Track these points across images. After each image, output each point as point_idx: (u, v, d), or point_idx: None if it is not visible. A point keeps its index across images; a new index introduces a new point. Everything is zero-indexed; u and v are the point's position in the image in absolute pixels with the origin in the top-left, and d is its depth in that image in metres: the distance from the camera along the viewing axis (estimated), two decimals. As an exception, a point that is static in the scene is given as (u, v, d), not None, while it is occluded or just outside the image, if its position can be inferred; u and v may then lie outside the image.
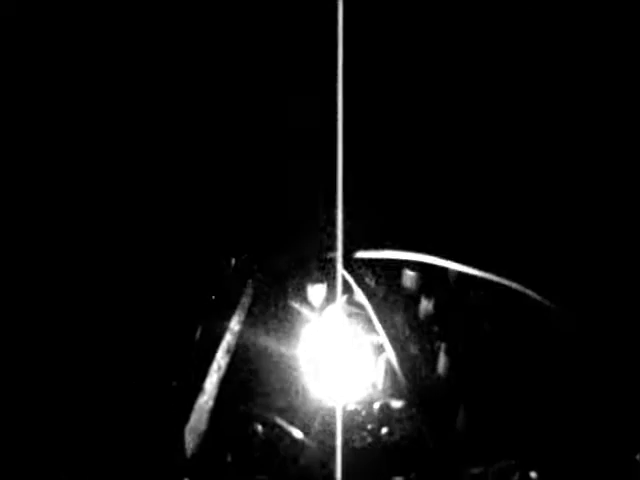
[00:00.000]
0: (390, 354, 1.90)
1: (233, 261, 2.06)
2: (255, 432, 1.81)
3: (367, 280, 2.06)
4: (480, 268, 2.01)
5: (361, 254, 2.06)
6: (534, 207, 2.08)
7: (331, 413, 1.87)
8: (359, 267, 2.07)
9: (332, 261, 2.09)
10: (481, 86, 2.13)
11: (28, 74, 2.15)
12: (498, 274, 1.98)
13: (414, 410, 1.84)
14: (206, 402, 1.84)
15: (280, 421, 1.83)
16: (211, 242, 2.07)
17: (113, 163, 2.14)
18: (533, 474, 1.63)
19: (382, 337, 1.92)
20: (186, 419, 1.77)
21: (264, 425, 1.82)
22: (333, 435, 1.82)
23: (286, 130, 2.15)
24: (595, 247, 2.00)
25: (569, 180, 2.07)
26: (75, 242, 2.03)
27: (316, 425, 1.86)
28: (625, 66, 2.07)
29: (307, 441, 1.80)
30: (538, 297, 1.92)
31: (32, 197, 2.09)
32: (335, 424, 1.83)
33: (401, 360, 1.89)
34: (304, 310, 2.05)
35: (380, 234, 2.07)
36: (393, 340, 1.91)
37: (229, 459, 1.78)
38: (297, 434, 1.81)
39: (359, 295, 2.02)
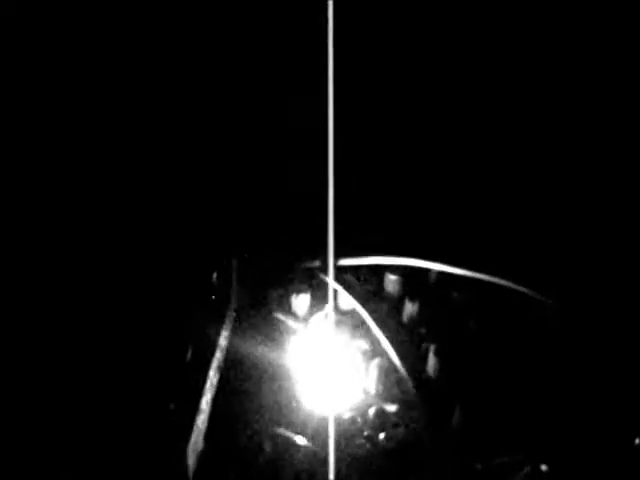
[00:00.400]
0: (393, 357, 1.91)
1: (215, 275, 2.04)
2: (261, 446, 1.80)
3: (353, 286, 2.06)
4: (462, 266, 2.03)
5: (344, 261, 2.07)
6: (515, 204, 2.11)
7: (326, 422, 1.87)
8: (343, 274, 2.07)
9: (313, 270, 2.09)
10: (472, 87, 2.16)
11: (28, 74, 2.11)
12: (480, 271, 2.01)
13: (418, 412, 1.85)
14: (203, 422, 1.82)
15: (283, 431, 1.82)
16: (199, 254, 2.06)
17: (110, 163, 2.12)
18: (544, 467, 1.66)
19: (383, 341, 1.93)
20: (187, 440, 1.75)
21: (270, 438, 1.81)
22: (336, 443, 1.82)
23: (282, 131, 2.15)
24: (579, 239, 2.04)
25: (548, 176, 2.11)
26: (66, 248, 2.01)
27: (313, 433, 1.86)
28: (625, 66, 2.12)
29: (313, 447, 1.80)
30: (524, 290, 1.95)
31: (29, 198, 2.06)
32: (332, 432, 1.84)
33: (403, 362, 1.90)
34: (289, 321, 2.04)
35: (363, 238, 2.08)
36: (392, 343, 1.92)
37: (233, 477, 1.76)
38: (301, 441, 1.81)
39: (350, 301, 2.02)
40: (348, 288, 2.03)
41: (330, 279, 1.97)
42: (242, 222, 2.15)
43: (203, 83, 2.19)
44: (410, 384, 1.87)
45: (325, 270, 2.03)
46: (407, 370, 1.89)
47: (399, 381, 1.90)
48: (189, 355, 1.88)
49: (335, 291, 2.04)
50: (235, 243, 2.11)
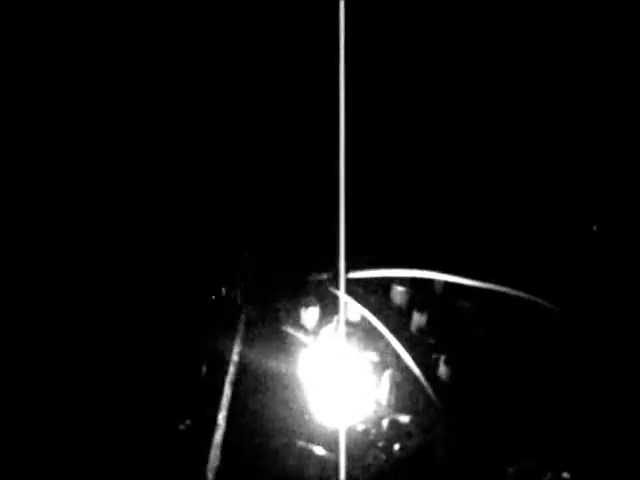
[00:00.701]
0: (411, 364, 1.93)
1: (224, 290, 2.05)
2: (277, 458, 1.80)
3: (363, 298, 2.08)
4: (468, 276, 2.05)
5: (353, 274, 2.08)
6: (520, 214, 2.14)
7: (339, 434, 1.88)
8: (351, 286, 2.09)
9: (322, 283, 2.11)
10: (482, 95, 2.17)
11: (28, 74, 2.10)
12: (486, 280, 2.04)
13: (440, 416, 1.87)
14: (220, 436, 1.83)
15: (298, 443, 1.83)
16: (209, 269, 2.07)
17: (110, 164, 2.11)
18: (565, 474, 1.68)
19: (400, 349, 1.95)
20: (206, 455, 1.75)
21: (286, 450, 1.82)
22: (351, 454, 1.83)
23: (285, 131, 2.16)
24: (585, 247, 2.07)
25: (554, 187, 2.14)
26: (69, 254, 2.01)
27: (326, 445, 1.87)
28: (625, 66, 2.14)
29: (329, 457, 1.81)
30: (531, 297, 1.98)
31: (33, 200, 2.06)
32: (343, 443, 1.85)
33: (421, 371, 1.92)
34: (299, 334, 2.05)
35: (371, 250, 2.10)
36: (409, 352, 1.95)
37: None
38: (319, 452, 1.82)
39: (362, 313, 2.03)
40: (359, 300, 2.05)
41: (341, 291, 1.98)
42: (249, 228, 2.16)
43: (207, 86, 2.20)
44: (430, 390, 1.89)
45: (335, 282, 2.05)
46: (424, 377, 1.91)
47: (416, 389, 1.92)
48: (204, 371, 1.89)
49: (345, 303, 2.05)
50: (243, 253, 2.12)
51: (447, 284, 2.10)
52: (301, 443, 1.84)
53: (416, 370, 1.92)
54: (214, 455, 1.78)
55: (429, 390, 1.89)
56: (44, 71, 2.16)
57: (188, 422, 1.80)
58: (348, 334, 2.04)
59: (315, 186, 2.13)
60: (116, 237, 2.10)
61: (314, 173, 2.12)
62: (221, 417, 1.83)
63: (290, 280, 2.10)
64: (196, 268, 2.08)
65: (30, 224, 2.07)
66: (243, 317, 2.03)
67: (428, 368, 1.97)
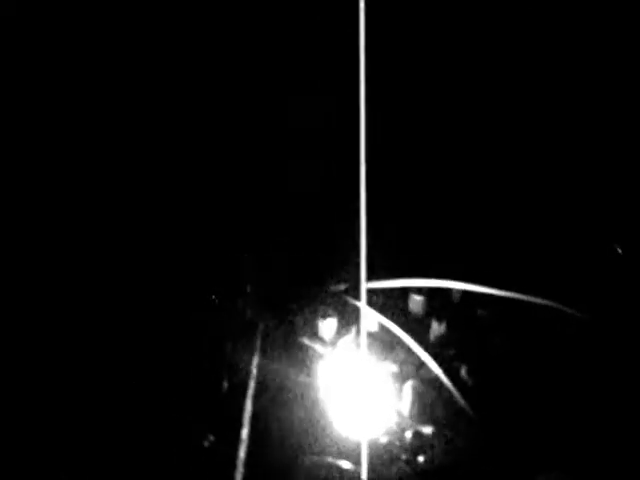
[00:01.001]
0: (440, 374, 1.91)
1: (240, 302, 2.02)
2: (307, 473, 1.78)
3: (380, 308, 2.06)
4: (485, 284, 2.04)
5: (371, 284, 2.05)
6: (538, 222, 2.13)
7: (362, 447, 1.86)
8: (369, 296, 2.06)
9: (339, 294, 2.08)
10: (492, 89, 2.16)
11: (28, 74, 2.07)
12: (506, 288, 2.02)
13: (471, 426, 1.85)
14: (244, 453, 1.79)
15: (326, 457, 1.80)
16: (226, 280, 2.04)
17: (110, 165, 2.08)
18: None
19: (427, 360, 1.93)
20: (232, 475, 1.72)
21: (312, 465, 1.79)
22: (374, 468, 1.81)
23: (285, 131, 2.14)
24: (605, 255, 2.07)
25: (573, 194, 2.13)
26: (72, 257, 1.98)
27: (350, 459, 1.85)
28: (625, 67, 2.13)
29: (355, 470, 1.79)
30: (553, 304, 1.97)
31: (35, 201, 2.02)
32: (365, 456, 1.82)
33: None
34: (316, 346, 2.02)
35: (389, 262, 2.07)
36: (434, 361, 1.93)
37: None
38: (343, 465, 1.80)
39: (383, 322, 2.01)
40: (376, 310, 2.02)
41: (362, 302, 1.95)
42: (249, 228, 2.14)
43: (208, 87, 2.18)
44: (460, 398, 1.87)
45: (353, 293, 2.02)
46: (449, 383, 1.89)
47: (438, 400, 1.90)
48: (225, 387, 1.86)
49: (354, 316, 2.03)
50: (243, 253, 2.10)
51: (465, 292, 2.08)
52: (324, 457, 1.81)
53: (444, 378, 1.89)
54: (239, 472, 1.75)
55: (459, 398, 1.87)
56: (44, 71, 2.13)
57: (212, 438, 1.77)
58: (367, 345, 2.01)
59: (315, 186, 2.11)
60: (116, 239, 2.07)
61: (314, 173, 2.11)
62: (244, 433, 1.80)
63: (308, 291, 2.08)
64: (200, 272, 2.05)
65: (32, 226, 2.04)
66: (260, 329, 2.00)
67: (449, 377, 1.95)
